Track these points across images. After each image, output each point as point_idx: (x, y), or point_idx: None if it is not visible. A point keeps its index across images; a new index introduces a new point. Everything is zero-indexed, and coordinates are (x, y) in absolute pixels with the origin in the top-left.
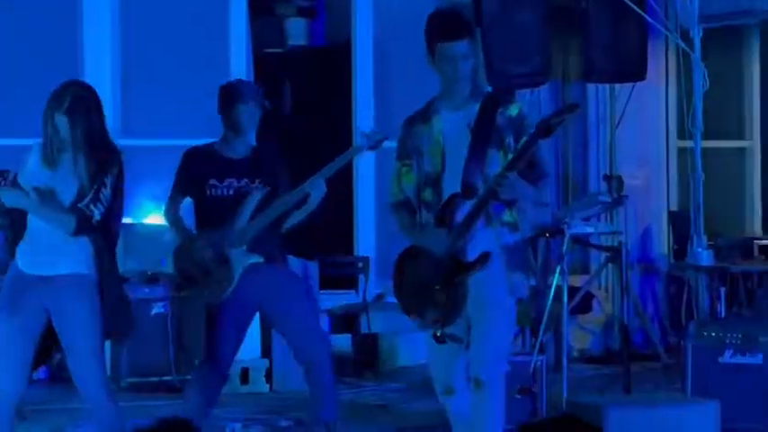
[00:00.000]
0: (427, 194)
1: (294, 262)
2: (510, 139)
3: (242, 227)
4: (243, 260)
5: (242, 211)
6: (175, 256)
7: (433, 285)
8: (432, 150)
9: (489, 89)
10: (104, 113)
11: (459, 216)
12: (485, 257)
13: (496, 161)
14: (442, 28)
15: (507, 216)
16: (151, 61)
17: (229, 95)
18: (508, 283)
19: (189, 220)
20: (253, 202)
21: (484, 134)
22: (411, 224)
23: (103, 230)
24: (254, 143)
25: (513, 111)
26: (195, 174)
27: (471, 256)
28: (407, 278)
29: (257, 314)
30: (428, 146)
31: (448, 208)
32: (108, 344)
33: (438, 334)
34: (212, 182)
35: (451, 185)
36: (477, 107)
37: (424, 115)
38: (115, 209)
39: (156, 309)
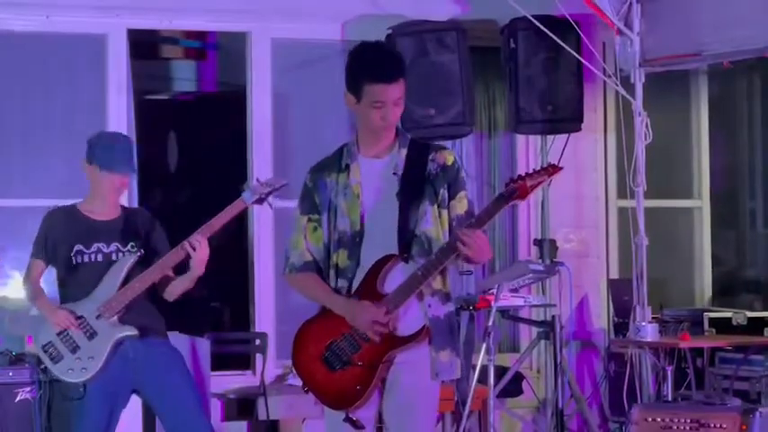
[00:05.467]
0: (341, 258)
1: (179, 339)
2: (444, 192)
3: (111, 295)
4: (113, 333)
5: (110, 278)
6: (36, 330)
7: (354, 361)
8: (348, 205)
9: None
10: None
11: (392, 282)
12: (423, 332)
13: (430, 218)
14: (375, 67)
15: (438, 283)
16: (11, 110)
17: (96, 158)
18: (433, 366)
19: (52, 289)
20: (123, 267)
21: (416, 185)
22: (325, 288)
23: None
24: (122, 202)
25: (448, 159)
26: (58, 239)
27: (400, 328)
28: (316, 350)
29: (136, 397)
30: (344, 199)
31: (380, 271)
32: None
33: (354, 418)
34: (78, 248)
35: (371, 247)
36: (403, 153)
37: (337, 162)
38: None
39: (22, 394)
